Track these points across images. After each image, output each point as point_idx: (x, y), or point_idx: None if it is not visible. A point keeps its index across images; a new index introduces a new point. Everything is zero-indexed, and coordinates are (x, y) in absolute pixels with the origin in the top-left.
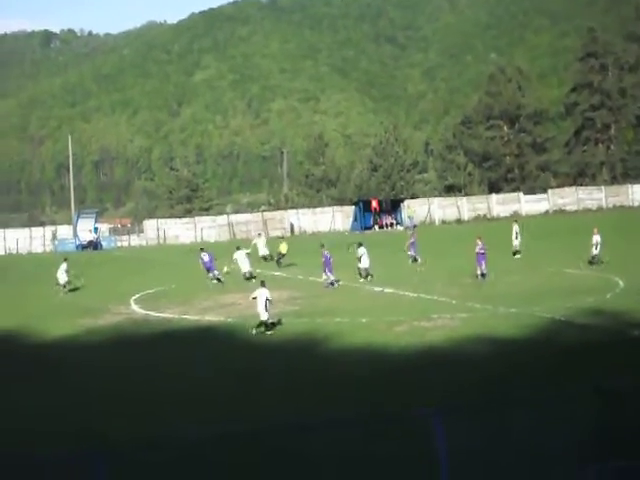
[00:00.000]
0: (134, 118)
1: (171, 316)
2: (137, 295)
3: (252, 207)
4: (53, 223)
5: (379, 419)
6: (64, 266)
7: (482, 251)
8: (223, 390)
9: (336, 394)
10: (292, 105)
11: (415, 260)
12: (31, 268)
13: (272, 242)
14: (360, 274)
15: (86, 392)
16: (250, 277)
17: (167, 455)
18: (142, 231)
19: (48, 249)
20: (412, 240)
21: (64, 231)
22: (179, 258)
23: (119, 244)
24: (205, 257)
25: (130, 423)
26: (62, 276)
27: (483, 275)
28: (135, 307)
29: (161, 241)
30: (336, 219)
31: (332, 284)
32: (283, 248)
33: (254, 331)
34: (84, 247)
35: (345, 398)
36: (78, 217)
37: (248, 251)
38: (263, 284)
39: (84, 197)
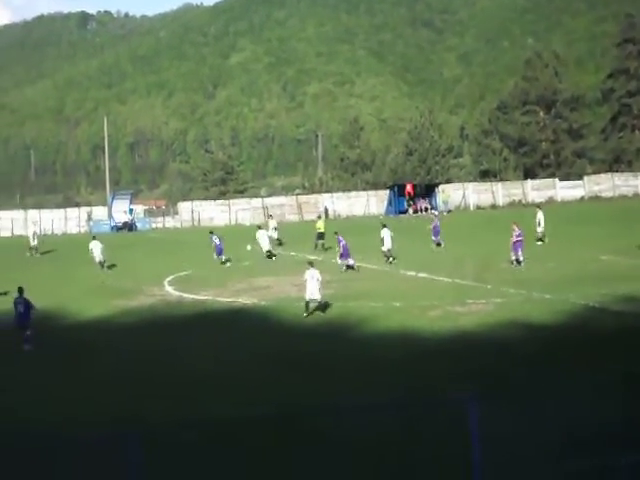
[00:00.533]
0: (169, 100)
1: (205, 298)
2: (171, 277)
3: (286, 190)
4: (88, 204)
5: (413, 403)
6: (97, 244)
7: (519, 238)
8: (257, 373)
9: (370, 378)
10: (327, 88)
11: (439, 245)
12: (66, 249)
13: (307, 225)
14: (385, 256)
15: (120, 373)
16: (270, 256)
17: (201, 437)
18: (177, 213)
19: (83, 230)
20: (434, 225)
21: (99, 212)
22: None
23: (154, 226)
24: (216, 240)
25: (164, 405)
26: (97, 255)
27: (519, 261)
28: (169, 289)
29: (195, 223)
30: (370, 203)
31: (352, 267)
32: (320, 226)
33: (305, 314)
34: (119, 228)
35: (379, 382)
36: (113, 198)
37: (272, 230)
38: (312, 264)
39: (119, 179)
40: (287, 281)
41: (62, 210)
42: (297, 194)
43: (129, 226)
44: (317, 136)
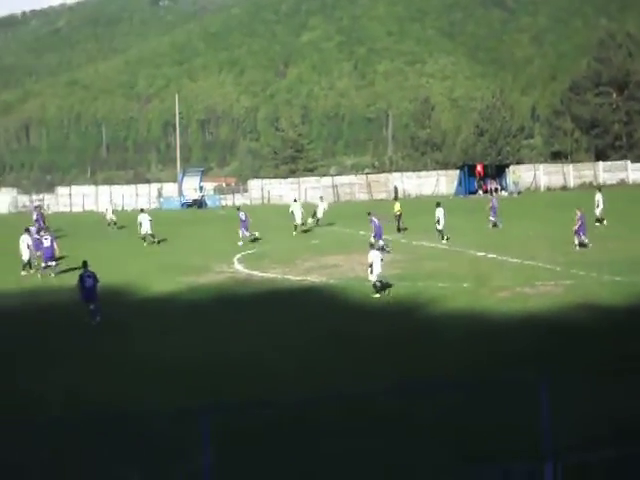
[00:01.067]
0: (240, 78)
1: (273, 276)
2: (240, 254)
3: (356, 169)
4: (158, 181)
5: (483, 383)
6: (145, 217)
7: (581, 221)
8: (325, 353)
9: (437, 358)
10: (398, 67)
11: (495, 225)
12: (137, 225)
13: (376, 204)
14: (441, 235)
15: (187, 351)
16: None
17: (276, 416)
18: (246, 190)
19: (153, 206)
20: (491, 205)
21: (169, 189)
22: (282, 218)
23: (223, 203)
24: (242, 216)
25: (233, 382)
26: (145, 228)
27: (583, 244)
28: (238, 266)
29: (265, 201)
30: (440, 183)
31: (382, 249)
32: (397, 208)
33: (377, 295)
34: (189, 205)
35: (446, 362)
36: (183, 175)
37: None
38: (372, 246)
39: (189, 156)
40: (356, 260)
41: (133, 186)
42: (367, 173)
43: (199, 203)
44: (387, 115)
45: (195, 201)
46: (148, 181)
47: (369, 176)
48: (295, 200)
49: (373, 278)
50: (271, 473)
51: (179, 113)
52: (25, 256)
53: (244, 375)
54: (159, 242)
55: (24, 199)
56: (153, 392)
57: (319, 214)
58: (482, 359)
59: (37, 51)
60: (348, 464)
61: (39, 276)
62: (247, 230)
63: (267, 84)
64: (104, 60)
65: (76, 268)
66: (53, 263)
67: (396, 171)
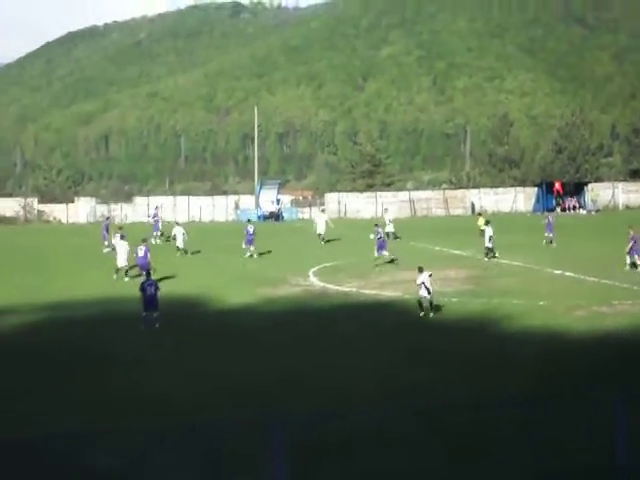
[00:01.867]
0: (319, 91)
1: (348, 290)
2: (316, 267)
3: (433, 184)
4: (236, 193)
5: (557, 400)
6: (180, 230)
7: (633, 241)
8: (399, 367)
9: (511, 375)
10: (477, 83)
11: (550, 242)
12: (213, 237)
13: (452, 220)
14: (486, 254)
15: (263, 362)
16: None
17: (347, 427)
18: (323, 204)
19: (230, 218)
20: (547, 221)
21: (246, 201)
22: (359, 232)
23: (300, 216)
24: (250, 229)
25: (307, 395)
26: (178, 240)
27: (635, 265)
28: (314, 279)
29: (342, 214)
30: (518, 200)
31: (392, 261)
32: (481, 223)
33: (431, 314)
34: (266, 217)
35: (520, 379)
36: (261, 188)
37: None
38: (421, 270)
39: (267, 168)
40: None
41: (210, 198)
42: (444, 189)
43: (276, 216)
44: (465, 131)
45: (272, 214)
46: (225, 193)
47: (446, 192)
48: (322, 211)
49: (424, 294)
50: None
51: (258, 126)
52: (120, 262)
53: (318, 388)
54: (191, 253)
55: (102, 209)
56: (226, 403)
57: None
58: (557, 377)
59: (118, 63)
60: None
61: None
62: (250, 244)
63: (346, 98)
64: (184, 72)
65: (166, 277)
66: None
67: (473, 187)
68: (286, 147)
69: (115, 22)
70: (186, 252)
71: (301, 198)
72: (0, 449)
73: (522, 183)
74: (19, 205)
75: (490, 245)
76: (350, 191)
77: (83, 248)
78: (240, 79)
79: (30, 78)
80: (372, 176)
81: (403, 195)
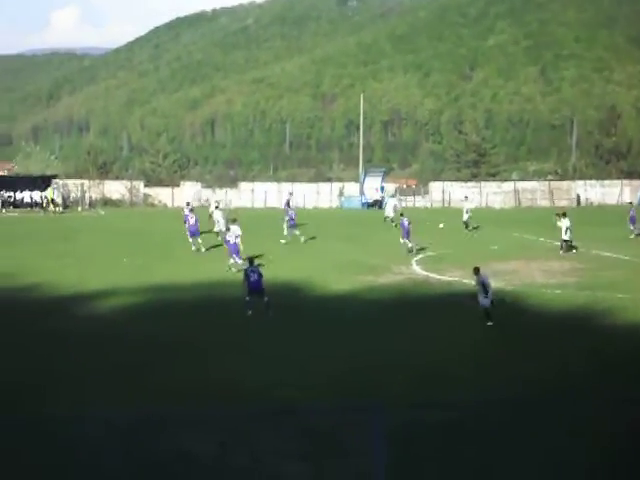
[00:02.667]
0: (425, 80)
1: (451, 279)
2: (419, 256)
3: (538, 175)
4: (340, 180)
5: None
6: (220, 214)
7: None
8: (499, 357)
9: (615, 369)
10: (585, 74)
11: (639, 235)
12: (318, 223)
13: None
14: (561, 247)
15: (362, 349)
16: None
17: (445, 417)
18: (427, 193)
19: (334, 205)
20: (631, 214)
21: (351, 188)
22: (462, 222)
23: (404, 204)
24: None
25: (408, 380)
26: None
27: None
28: (416, 268)
29: (446, 204)
30: (624, 192)
31: (410, 251)
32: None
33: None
34: (370, 205)
35: (626, 374)
36: (365, 175)
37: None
38: (477, 271)
39: (371, 156)
40: (535, 266)
41: (314, 184)
42: (549, 180)
43: (380, 203)
44: (572, 122)
45: (376, 201)
46: (330, 180)
47: (551, 183)
48: (392, 196)
49: (486, 303)
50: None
51: (363, 113)
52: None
53: (418, 375)
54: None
55: (207, 193)
56: (323, 389)
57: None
58: None
59: (225, 48)
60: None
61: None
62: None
63: (452, 87)
64: (290, 58)
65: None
66: (239, 261)
67: (579, 179)
68: (391, 135)
69: (223, 8)
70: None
71: (405, 186)
72: (94, 430)
73: (629, 176)
74: (125, 188)
75: (567, 237)
76: (454, 180)
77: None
78: (346, 66)
79: (138, 63)
80: (477, 166)
81: (508, 185)
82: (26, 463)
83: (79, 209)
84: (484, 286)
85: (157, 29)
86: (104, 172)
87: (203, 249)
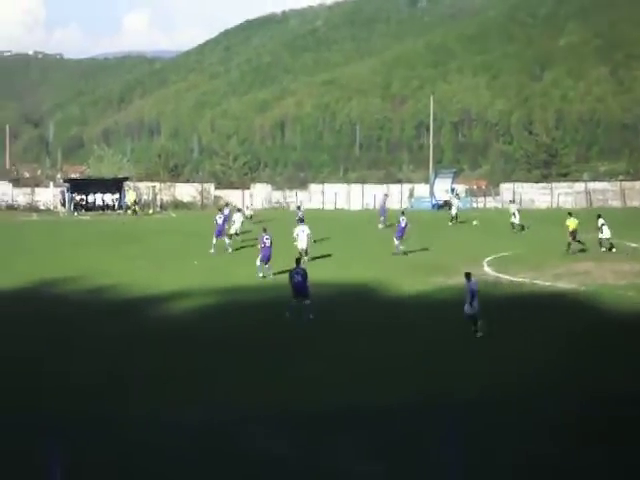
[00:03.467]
0: (495, 81)
1: (522, 280)
2: (490, 257)
3: (609, 176)
4: (409, 181)
5: None
6: (239, 216)
7: None
8: (569, 359)
9: None
10: None
11: None
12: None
13: (629, 212)
14: (600, 244)
15: (430, 351)
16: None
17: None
18: (498, 194)
19: (404, 206)
20: None
21: (421, 190)
22: (534, 223)
23: (474, 205)
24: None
25: (474, 382)
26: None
27: None
28: (487, 269)
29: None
30: None
31: (396, 253)
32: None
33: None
34: (440, 207)
35: None
36: (435, 177)
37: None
38: (469, 277)
39: (441, 157)
40: (607, 267)
41: (384, 186)
42: (621, 180)
43: (450, 205)
44: None
45: (446, 202)
46: (400, 181)
47: (623, 183)
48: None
49: (470, 311)
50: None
51: (433, 114)
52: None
53: (489, 377)
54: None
55: (277, 195)
56: (398, 388)
57: (515, 219)
58: None
59: (294, 50)
60: None
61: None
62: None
63: (522, 87)
64: (360, 60)
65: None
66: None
67: None
68: (461, 136)
69: (292, 10)
70: (237, 235)
71: (475, 187)
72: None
73: None
74: (196, 190)
75: (605, 237)
76: (525, 181)
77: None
78: (416, 68)
79: (209, 65)
80: (548, 166)
81: (579, 186)
82: (98, 462)
83: (150, 212)
84: (472, 294)
85: (227, 32)
86: (175, 175)
87: (230, 249)
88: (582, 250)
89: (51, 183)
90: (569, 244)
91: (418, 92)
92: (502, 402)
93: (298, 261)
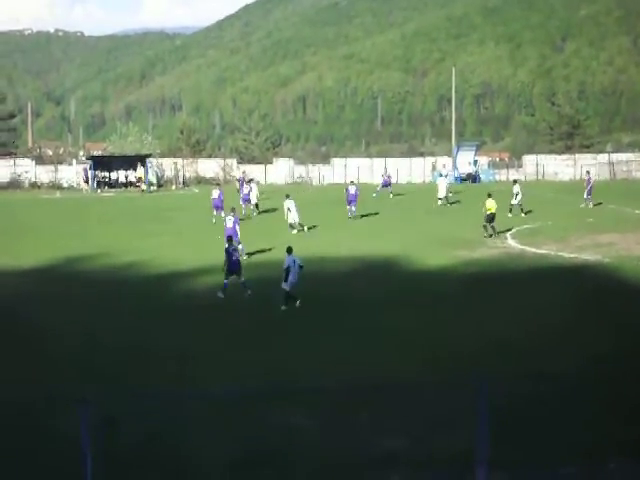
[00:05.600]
0: (517, 52)
1: (546, 252)
2: (514, 229)
3: (632, 147)
4: (432, 154)
5: None
6: (292, 203)
7: None
8: (591, 332)
9: None
10: None
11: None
12: (412, 198)
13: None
14: (510, 210)
15: (457, 325)
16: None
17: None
18: (520, 166)
19: (427, 180)
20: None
21: (443, 163)
22: (557, 195)
23: (497, 178)
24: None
25: (507, 356)
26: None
27: None
28: (512, 241)
29: (539, 177)
30: None
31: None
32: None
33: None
34: (463, 179)
35: None
36: (458, 149)
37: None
38: (290, 251)
39: (463, 130)
40: (632, 239)
41: (407, 159)
42: None
43: (473, 177)
44: None
45: (469, 175)
46: (422, 154)
47: None
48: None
49: (286, 287)
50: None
51: (455, 87)
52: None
53: (517, 350)
54: (309, 229)
55: (300, 170)
56: (423, 363)
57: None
58: None
59: (315, 24)
60: None
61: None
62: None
63: (544, 59)
64: (381, 33)
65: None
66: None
67: None
68: (483, 108)
69: None
70: (301, 226)
71: (498, 160)
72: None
73: None
74: (219, 166)
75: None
76: (548, 153)
77: (282, 209)
78: (437, 40)
79: (229, 41)
80: (570, 138)
81: (602, 157)
82: (130, 431)
83: (173, 188)
84: (287, 270)
85: (247, 6)
86: (197, 150)
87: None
88: (490, 236)
89: (74, 160)
90: (485, 227)
91: (439, 65)
92: (528, 372)
93: (230, 239)
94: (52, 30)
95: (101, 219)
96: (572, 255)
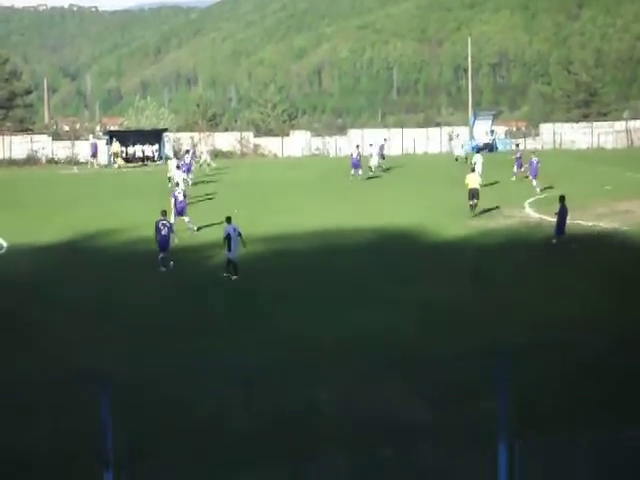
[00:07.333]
0: (533, 21)
1: None
2: (532, 199)
3: None
4: (448, 124)
5: None
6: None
7: None
8: (609, 300)
9: None
10: None
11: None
12: (427, 169)
13: None
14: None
15: (474, 295)
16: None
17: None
18: (537, 135)
19: (444, 150)
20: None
21: (460, 132)
22: (574, 163)
23: (514, 147)
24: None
25: (524, 325)
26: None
27: None
28: (529, 210)
29: (557, 145)
30: None
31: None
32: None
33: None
34: (480, 149)
35: None
36: (475, 119)
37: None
38: (229, 220)
39: (480, 99)
40: None
41: (423, 130)
42: None
43: (490, 147)
44: None
45: (486, 145)
46: (438, 124)
47: None
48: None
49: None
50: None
51: (471, 56)
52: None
53: (533, 320)
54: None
55: (317, 142)
56: (443, 336)
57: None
58: None
59: None
60: None
61: None
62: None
63: (560, 27)
64: (395, 3)
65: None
66: (186, 219)
67: None
68: (499, 77)
69: None
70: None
71: (515, 129)
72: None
73: None
74: (235, 139)
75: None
76: (565, 121)
77: (300, 182)
78: (452, 9)
79: (244, 13)
80: (587, 106)
81: (619, 125)
82: (152, 404)
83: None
84: (227, 239)
85: None
86: (214, 124)
87: None
88: (475, 215)
89: (90, 135)
90: (471, 206)
91: (455, 34)
92: (549, 341)
93: (165, 213)
94: (66, 5)
95: (117, 194)
96: (590, 223)
